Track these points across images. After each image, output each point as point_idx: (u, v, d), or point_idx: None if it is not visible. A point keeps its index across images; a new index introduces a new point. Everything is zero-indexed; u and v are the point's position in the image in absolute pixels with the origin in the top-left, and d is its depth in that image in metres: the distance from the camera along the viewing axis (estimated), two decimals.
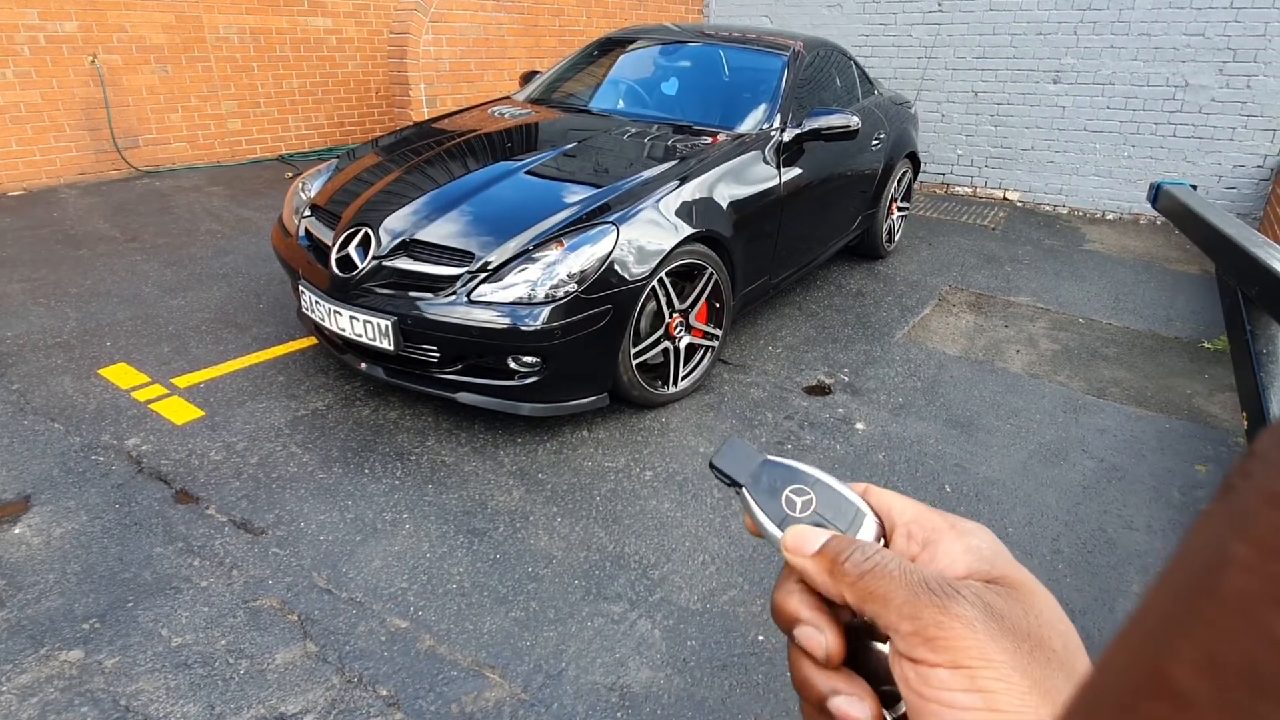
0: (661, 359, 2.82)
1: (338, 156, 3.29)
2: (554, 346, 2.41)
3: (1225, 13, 5.28)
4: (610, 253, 2.45)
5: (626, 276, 2.49)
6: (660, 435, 2.70)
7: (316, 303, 2.62)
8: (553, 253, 2.45)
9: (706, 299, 2.90)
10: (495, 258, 2.45)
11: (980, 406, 3.05)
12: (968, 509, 2.39)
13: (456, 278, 2.44)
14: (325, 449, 2.52)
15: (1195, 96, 5.54)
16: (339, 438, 2.58)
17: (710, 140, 3.17)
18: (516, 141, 3.15)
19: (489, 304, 2.39)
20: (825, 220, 3.83)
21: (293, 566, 2.00)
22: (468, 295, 2.41)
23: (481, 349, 2.45)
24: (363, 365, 2.66)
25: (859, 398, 3.06)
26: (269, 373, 3.00)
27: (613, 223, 2.50)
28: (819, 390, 3.11)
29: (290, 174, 6.35)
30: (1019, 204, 6.53)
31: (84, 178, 5.82)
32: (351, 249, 2.60)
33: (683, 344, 2.84)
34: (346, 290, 2.55)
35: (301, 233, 2.86)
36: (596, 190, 2.68)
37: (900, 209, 4.86)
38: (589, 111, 3.56)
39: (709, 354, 2.99)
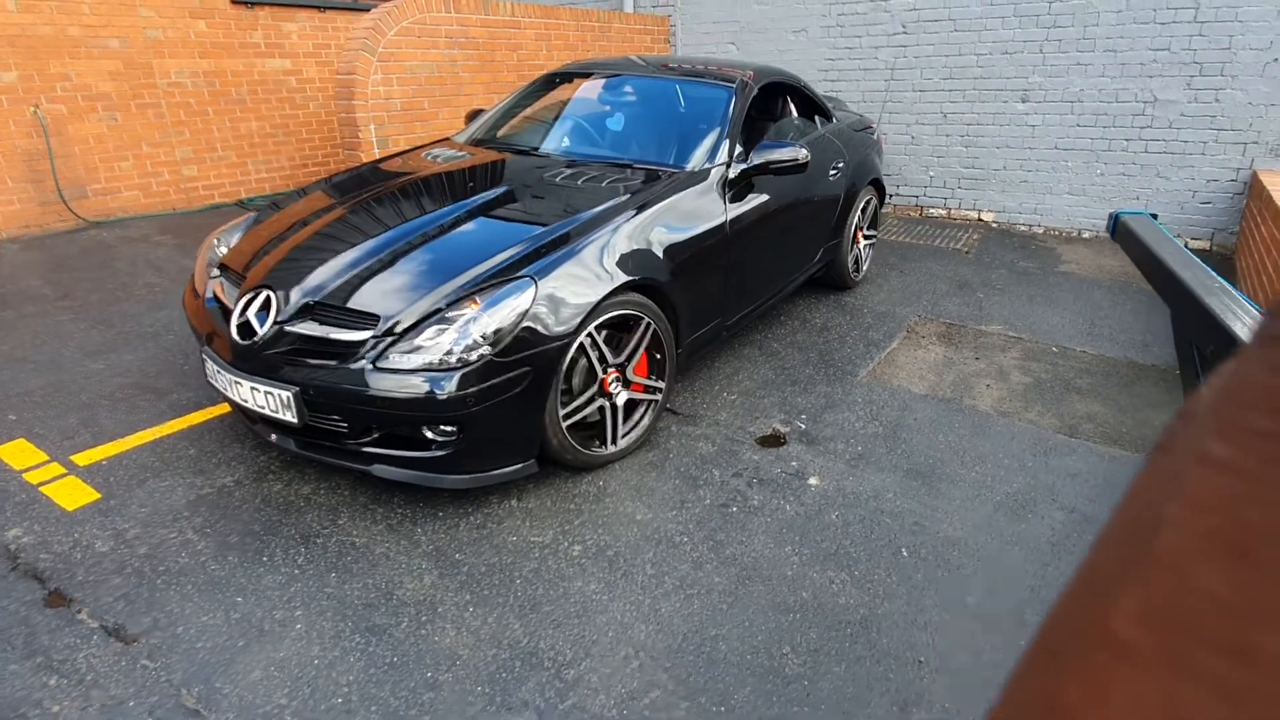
0: (599, 416, 2.62)
1: (258, 208, 3.12)
2: (468, 415, 2.21)
3: (1190, 27, 5.18)
4: (528, 309, 2.26)
5: (547, 334, 2.30)
6: (595, 502, 2.50)
7: (218, 372, 2.43)
8: (468, 311, 2.26)
9: (646, 350, 2.72)
10: (405, 319, 2.26)
11: (944, 452, 2.85)
12: (926, 576, 2.19)
13: (362, 343, 2.25)
14: (224, 534, 2.31)
15: (1164, 112, 5.42)
16: (242, 519, 2.37)
17: (651, 179, 3.01)
18: (443, 189, 2.97)
19: (396, 371, 2.20)
20: (783, 256, 3.66)
21: (161, 683, 1.78)
22: (373, 362, 2.22)
23: (390, 420, 2.25)
24: (273, 437, 2.46)
25: (814, 448, 2.86)
26: (180, 444, 2.79)
27: (530, 276, 2.32)
28: (773, 441, 2.91)
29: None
30: (994, 225, 6.39)
31: (28, 231, 5.65)
32: (252, 314, 2.41)
33: (620, 400, 2.65)
34: (247, 359, 2.36)
35: (209, 294, 2.67)
36: (520, 240, 2.49)
37: (867, 237, 4.70)
38: (527, 152, 3.40)
39: (651, 408, 2.79)
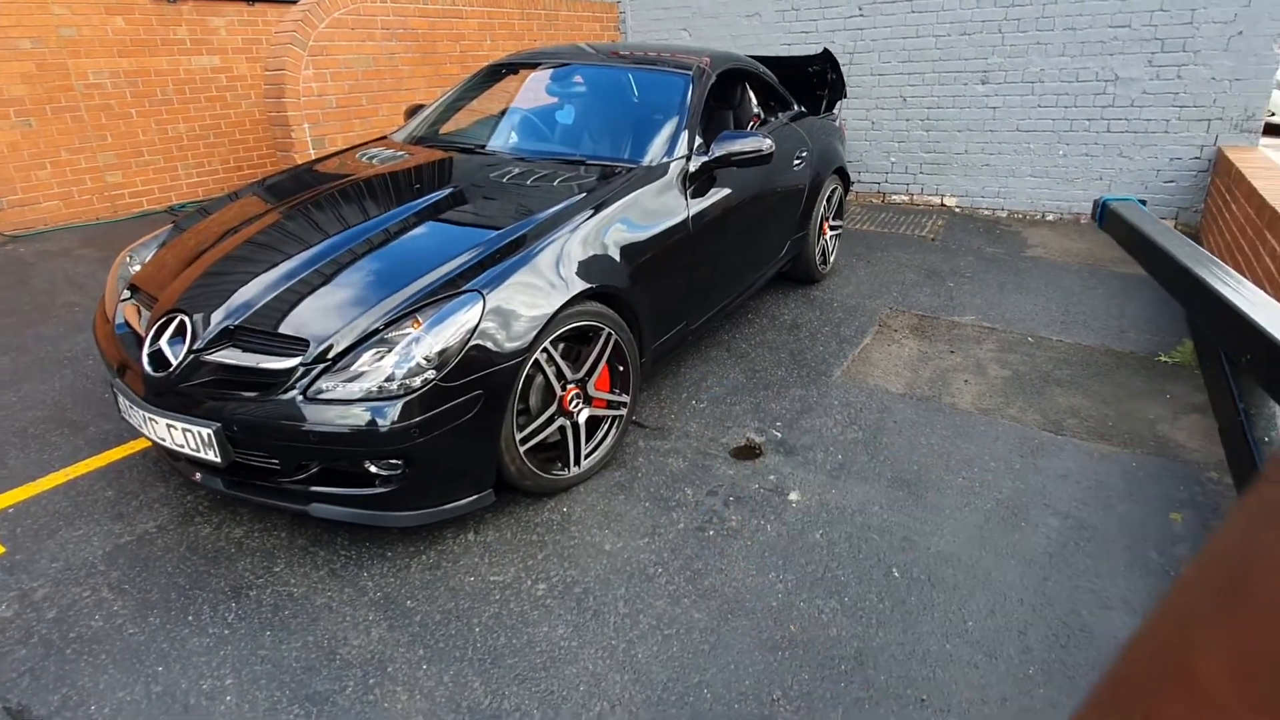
0: (559, 436, 2.41)
1: (173, 220, 2.83)
2: (413, 447, 1.98)
3: (1150, 1, 5.12)
4: (475, 327, 2.04)
5: (499, 352, 2.08)
6: (559, 531, 2.29)
7: (131, 408, 2.16)
8: (409, 331, 2.03)
9: (607, 362, 2.51)
10: (339, 342, 2.02)
11: (928, 457, 2.70)
12: (920, 599, 2.03)
13: (291, 371, 2.00)
14: (144, 589, 2.05)
15: (1126, 90, 5.36)
16: (165, 572, 2.12)
17: (606, 176, 2.79)
18: (380, 193, 2.72)
19: (330, 402, 1.96)
20: (748, 251, 3.48)
21: None
22: (304, 392, 1.98)
23: (326, 456, 2.02)
24: (197, 476, 2.21)
25: (793, 459, 2.69)
26: (97, 486, 2.51)
27: (477, 290, 2.09)
28: (748, 452, 2.73)
29: None
30: (957, 209, 6.30)
31: None
32: (164, 342, 2.14)
33: (582, 418, 2.44)
34: (161, 393, 2.10)
35: (120, 319, 2.39)
36: (465, 249, 2.26)
37: (833, 228, 4.55)
38: (472, 150, 3.15)
39: (617, 424, 2.59)
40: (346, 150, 3.38)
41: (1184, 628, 0.16)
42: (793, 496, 2.47)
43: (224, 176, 6.85)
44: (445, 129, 3.48)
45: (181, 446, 2.09)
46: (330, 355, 2.00)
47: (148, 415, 2.10)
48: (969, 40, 5.84)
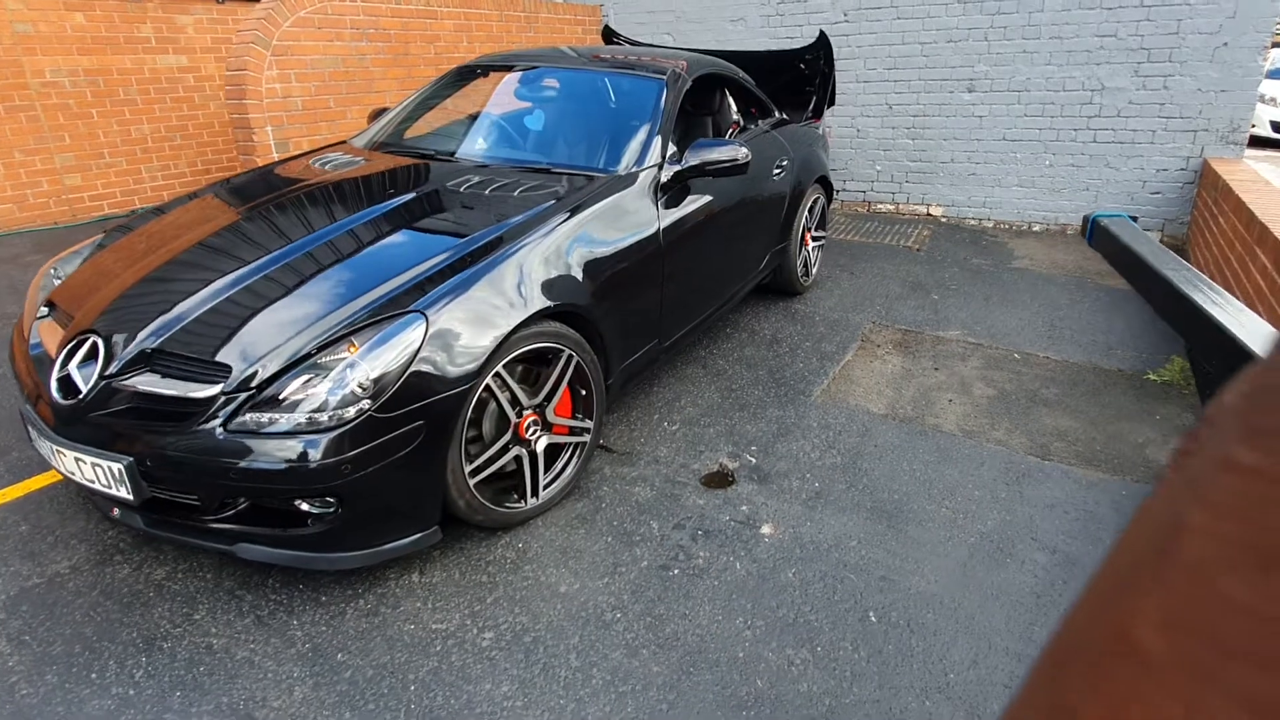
0: (516, 466, 2.24)
1: (104, 231, 2.64)
2: (346, 485, 1.81)
3: (1136, 11, 5.02)
4: (417, 351, 1.87)
5: (443, 379, 1.91)
6: (512, 570, 2.12)
7: (39, 437, 1.97)
8: (344, 355, 1.85)
9: (569, 386, 2.34)
10: (265, 367, 1.84)
11: (909, 485, 2.55)
12: (898, 648, 1.87)
13: (211, 400, 1.82)
14: (47, 641, 1.86)
15: (1112, 100, 5.26)
16: (73, 620, 1.92)
17: (572, 185, 2.63)
18: (327, 204, 2.54)
19: (253, 435, 1.78)
20: (726, 264, 3.32)
21: None
22: (225, 424, 1.79)
23: (250, 494, 1.84)
24: (115, 512, 2.01)
25: (767, 487, 2.53)
26: (11, 519, 2.31)
27: (419, 310, 1.92)
28: (720, 480, 2.57)
29: None
30: (943, 219, 6.19)
31: None
32: (74, 366, 1.95)
33: (540, 446, 2.27)
34: (70, 422, 1.91)
35: (35, 338, 2.20)
36: (410, 266, 2.09)
37: (815, 239, 4.40)
38: (432, 157, 2.97)
39: (579, 452, 2.42)
40: (301, 155, 3.20)
41: (1119, 593, 0.17)
42: (765, 530, 2.31)
43: (191, 179, 6.63)
44: (407, 134, 3.31)
45: (92, 482, 1.90)
46: (255, 383, 1.82)
47: (54, 447, 1.91)
48: (955, 48, 5.73)
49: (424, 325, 1.90)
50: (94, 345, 1.95)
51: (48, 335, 2.15)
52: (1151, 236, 1.90)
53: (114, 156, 6.11)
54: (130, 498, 1.86)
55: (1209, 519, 0.17)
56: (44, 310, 2.26)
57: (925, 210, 6.26)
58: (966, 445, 2.81)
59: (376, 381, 1.81)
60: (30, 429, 2.03)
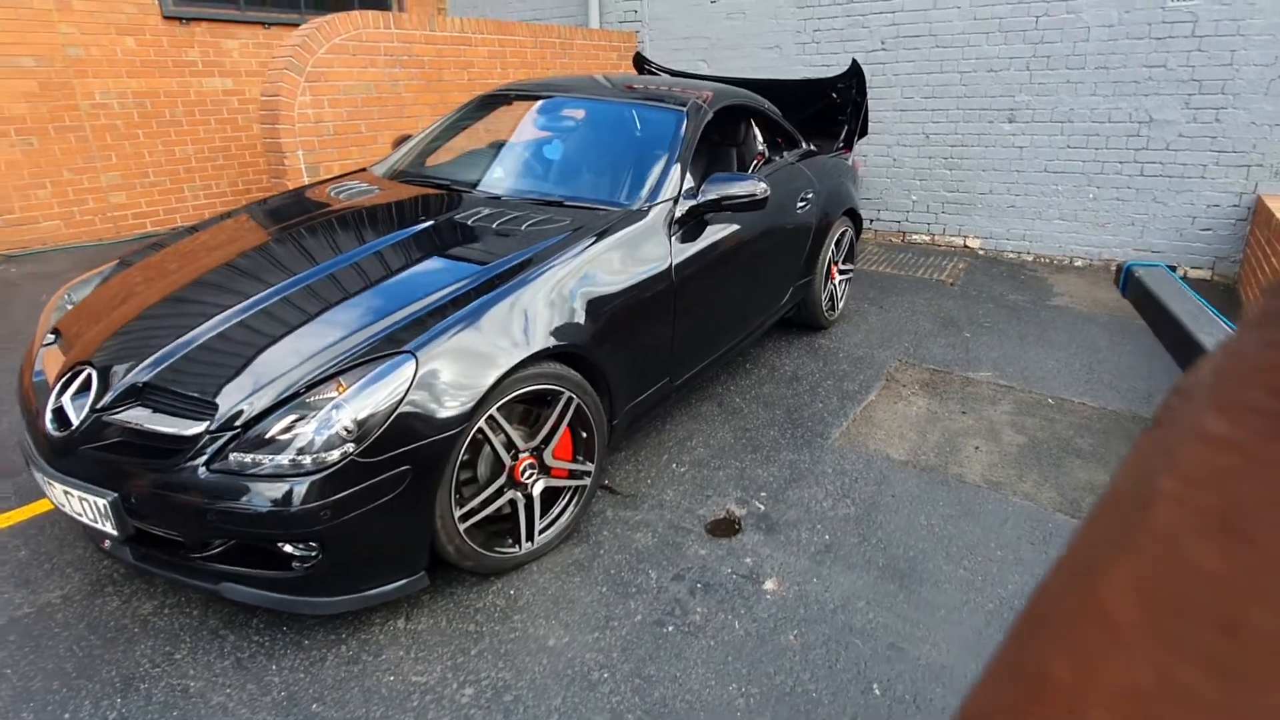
0: (511, 509, 2.17)
1: (119, 258, 2.66)
2: (327, 530, 1.76)
3: (1187, 42, 4.82)
4: (406, 393, 1.82)
5: (432, 422, 1.85)
6: (501, 620, 2.04)
7: (32, 467, 1.97)
8: (332, 395, 1.81)
9: (570, 427, 2.27)
10: (252, 405, 1.81)
11: (926, 542, 2.41)
12: None
13: (196, 438, 1.79)
14: (28, 676, 1.84)
15: (1161, 132, 5.05)
16: (56, 654, 1.90)
17: (583, 219, 2.57)
18: (332, 236, 2.52)
19: (234, 475, 1.74)
20: (743, 301, 3.23)
21: None
22: (207, 464, 1.76)
23: (230, 535, 1.80)
24: (106, 543, 1.99)
25: (774, 537, 2.41)
26: (13, 543, 2.32)
27: (409, 351, 1.87)
28: (725, 528, 2.47)
29: None
30: (981, 252, 6.00)
31: None
32: (67, 398, 1.95)
33: (537, 490, 2.20)
34: (61, 454, 1.90)
35: (39, 365, 2.21)
36: (406, 304, 2.05)
37: (843, 272, 4.29)
38: (446, 188, 2.95)
39: (579, 496, 2.35)
40: (320, 183, 3.21)
41: (1091, 561, 0.18)
42: (768, 585, 2.19)
43: (232, 199, 6.79)
44: (425, 163, 3.30)
45: (80, 515, 1.89)
46: (240, 421, 1.79)
47: (45, 478, 1.90)
48: (995, 77, 5.58)
49: (414, 366, 1.85)
50: (88, 377, 1.95)
51: (50, 364, 2.16)
52: (1188, 292, 1.76)
53: (158, 176, 6.29)
54: (115, 533, 1.84)
55: (1179, 486, 0.17)
56: (50, 338, 2.27)
57: (962, 242, 6.09)
58: (991, 499, 2.66)
59: (361, 424, 1.77)
60: (26, 458, 2.03)
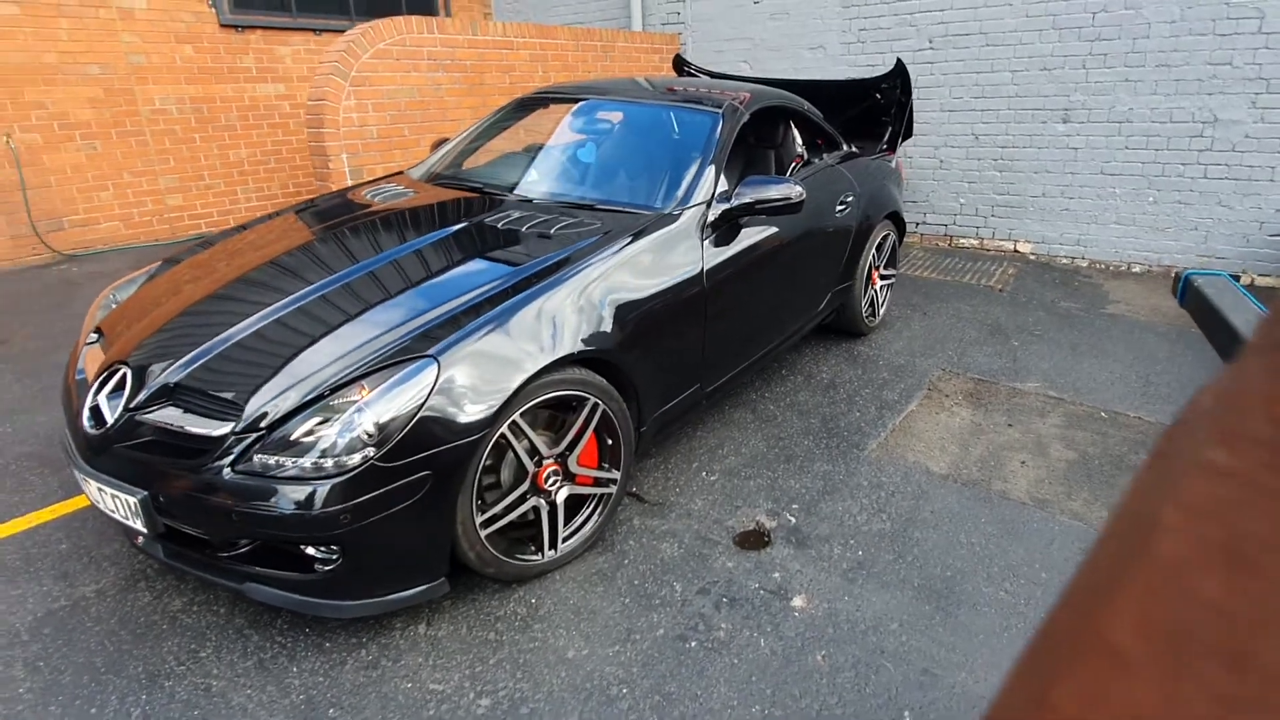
0: (534, 515, 2.15)
1: (165, 259, 2.72)
2: (347, 534, 1.75)
3: (1254, 39, 4.57)
4: (425, 399, 1.80)
5: (453, 427, 1.83)
6: (521, 629, 2.01)
7: (70, 463, 2.02)
8: (355, 398, 1.81)
9: (596, 434, 2.24)
10: (276, 408, 1.82)
11: (966, 561, 2.31)
12: None
13: (222, 439, 1.81)
14: (59, 669, 1.88)
15: (1226, 133, 4.80)
16: (87, 648, 1.94)
17: (614, 223, 2.54)
18: (365, 239, 2.54)
19: (257, 477, 1.75)
20: (779, 306, 3.16)
21: None
22: (232, 465, 1.78)
23: (251, 536, 1.81)
24: (139, 539, 2.03)
25: (804, 551, 2.34)
26: (55, 536, 2.39)
27: (432, 355, 1.86)
28: (754, 540, 2.40)
29: None
30: (1031, 257, 5.79)
31: None
32: (104, 396, 1.99)
33: (561, 497, 2.17)
34: (96, 452, 1.94)
35: (81, 365, 2.27)
36: (432, 307, 2.04)
37: (884, 277, 4.17)
38: (480, 191, 2.95)
39: (604, 504, 2.31)
40: (357, 186, 3.25)
41: (1095, 590, 0.18)
42: (797, 602, 2.12)
43: (283, 200, 6.96)
44: (460, 166, 3.32)
45: (113, 512, 1.92)
46: (265, 423, 1.80)
47: (81, 475, 1.94)
48: (1049, 76, 5.37)
49: (436, 371, 1.84)
50: (123, 376, 1.99)
51: (91, 363, 2.21)
52: (1251, 302, 1.64)
53: (213, 179, 6.48)
54: (145, 531, 1.87)
55: (1183, 518, 0.17)
56: (93, 337, 2.33)
57: (1012, 246, 5.88)
58: (1036, 517, 2.54)
59: (382, 428, 1.76)
60: (66, 454, 2.08)
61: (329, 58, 4.57)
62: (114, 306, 2.49)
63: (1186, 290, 1.88)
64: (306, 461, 1.75)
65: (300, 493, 1.72)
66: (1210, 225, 4.99)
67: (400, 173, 3.44)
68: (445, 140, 3.68)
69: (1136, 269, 5.37)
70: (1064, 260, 5.68)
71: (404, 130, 4.99)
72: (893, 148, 4.39)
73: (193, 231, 6.43)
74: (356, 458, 1.74)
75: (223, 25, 6.26)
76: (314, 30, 6.86)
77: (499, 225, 2.54)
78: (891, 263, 4.23)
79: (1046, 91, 5.41)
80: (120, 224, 6.01)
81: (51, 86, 5.48)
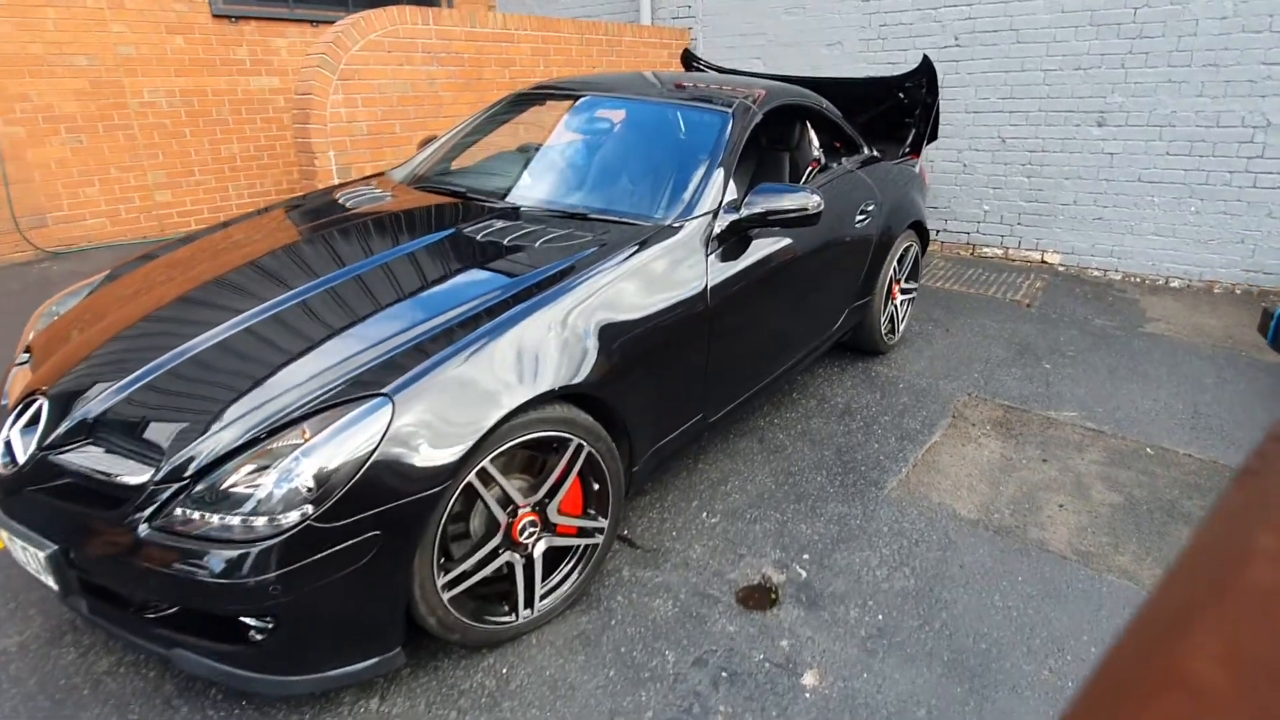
0: (507, 570, 1.88)
1: (109, 272, 2.47)
2: (280, 605, 1.49)
3: None
4: (378, 445, 1.54)
5: (410, 478, 1.57)
6: (488, 709, 1.75)
7: None
8: (296, 442, 1.54)
9: (580, 476, 1.97)
10: (203, 453, 1.56)
11: (1003, 630, 2.02)
12: None
13: (141, 488, 1.55)
14: None
15: (1279, 139, 4.46)
16: (1, 713, 1.70)
17: (608, 235, 2.27)
18: (328, 252, 2.27)
19: (176, 536, 1.50)
20: (791, 326, 2.88)
21: None
22: (149, 520, 1.52)
23: (171, 602, 1.55)
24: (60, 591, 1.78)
25: (817, 614, 2.06)
26: None
27: (386, 394, 1.59)
28: (760, 597, 2.13)
29: None
30: (1060, 268, 5.47)
31: None
32: (16, 430, 1.74)
33: (539, 550, 1.90)
34: (10, 493, 1.69)
35: (6, 388, 2.02)
36: (390, 335, 1.77)
37: (905, 291, 3.88)
38: (462, 197, 2.68)
39: (589, 556, 2.04)
40: (331, 189, 2.99)
41: (1175, 623, 0.16)
42: (807, 679, 1.84)
43: (275, 198, 6.72)
44: (447, 168, 3.05)
45: (25, 564, 1.68)
46: (191, 470, 1.54)
47: None
48: (1084, 76, 5.05)
49: (390, 410, 1.57)
50: (40, 408, 1.74)
51: (16, 386, 1.96)
52: None
53: (203, 174, 6.25)
54: (56, 588, 1.62)
55: None
56: (24, 356, 2.08)
57: (1039, 257, 5.56)
58: (1081, 575, 2.24)
59: (324, 480, 1.49)
60: None
61: (316, 49, 4.32)
62: (55, 319, 2.25)
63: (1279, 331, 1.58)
64: (234, 519, 1.49)
65: (224, 557, 1.46)
66: (1259, 238, 4.66)
67: (381, 174, 3.18)
68: (433, 138, 3.42)
69: (1175, 284, 5.04)
70: (1095, 272, 5.35)
71: (395, 127, 4.74)
72: (917, 151, 4.10)
73: (182, 229, 6.19)
74: (294, 515, 1.48)
75: (215, 15, 6.02)
76: (311, 21, 6.61)
77: (478, 238, 2.27)
78: (913, 275, 3.94)
79: (1081, 92, 5.08)
80: (106, 220, 5.79)
81: (37, 78, 5.26)
